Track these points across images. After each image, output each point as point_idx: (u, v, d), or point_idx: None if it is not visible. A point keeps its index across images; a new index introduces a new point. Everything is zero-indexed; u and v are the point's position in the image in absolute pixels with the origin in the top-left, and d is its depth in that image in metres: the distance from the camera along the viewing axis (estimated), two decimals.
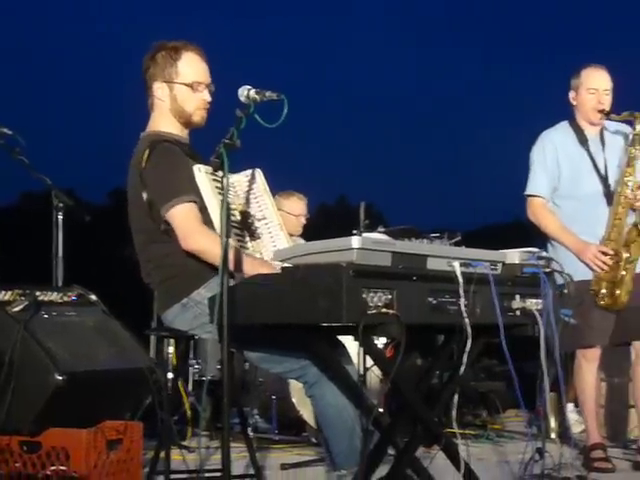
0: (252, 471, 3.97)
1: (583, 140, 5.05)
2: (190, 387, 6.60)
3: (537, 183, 5.08)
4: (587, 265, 4.91)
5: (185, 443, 5.57)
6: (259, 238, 3.70)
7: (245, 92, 3.24)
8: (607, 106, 4.98)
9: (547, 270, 3.54)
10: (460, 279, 3.15)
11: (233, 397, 3.68)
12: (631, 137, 4.95)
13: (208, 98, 3.74)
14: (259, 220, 3.73)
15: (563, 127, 5.15)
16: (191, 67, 3.72)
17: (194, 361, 6.68)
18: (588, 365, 5.04)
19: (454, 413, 3.36)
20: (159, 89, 3.72)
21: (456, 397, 3.51)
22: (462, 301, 3.15)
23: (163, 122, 3.75)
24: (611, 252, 4.85)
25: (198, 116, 3.75)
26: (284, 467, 4.95)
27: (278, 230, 3.76)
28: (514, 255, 3.49)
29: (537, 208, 5.08)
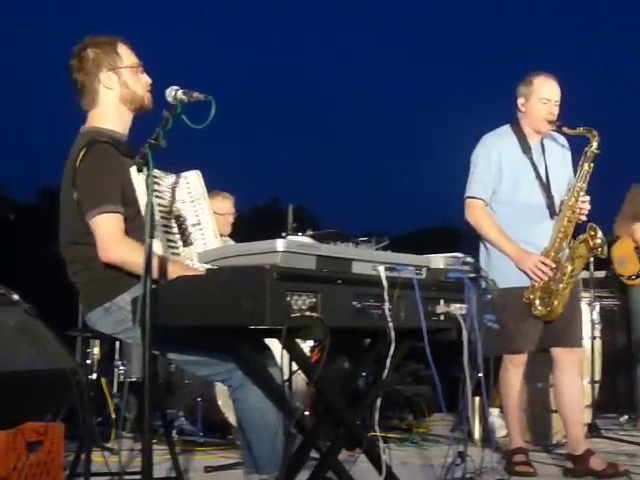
0: (175, 474, 3.94)
1: (527, 148, 5.05)
2: (115, 388, 6.54)
3: (478, 185, 5.06)
4: (526, 274, 4.91)
5: (109, 445, 5.52)
6: (192, 244, 3.66)
7: (172, 93, 3.23)
8: (556, 117, 5.00)
9: (471, 275, 3.57)
10: (385, 283, 3.15)
11: (156, 399, 3.65)
12: (585, 153, 4.93)
13: (150, 80, 3.73)
14: (193, 225, 3.70)
15: (507, 132, 5.13)
16: (127, 53, 3.71)
17: (119, 362, 6.62)
18: (515, 370, 5.07)
19: (377, 416, 3.36)
20: (107, 78, 3.66)
21: (379, 400, 3.50)
22: (386, 305, 3.16)
23: (105, 117, 3.69)
24: (552, 264, 4.85)
25: (147, 99, 3.73)
26: (207, 470, 4.93)
27: (212, 237, 3.72)
28: (439, 260, 3.51)
29: (477, 211, 5.06)
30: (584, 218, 4.93)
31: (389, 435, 6.00)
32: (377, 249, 5.13)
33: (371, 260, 3.23)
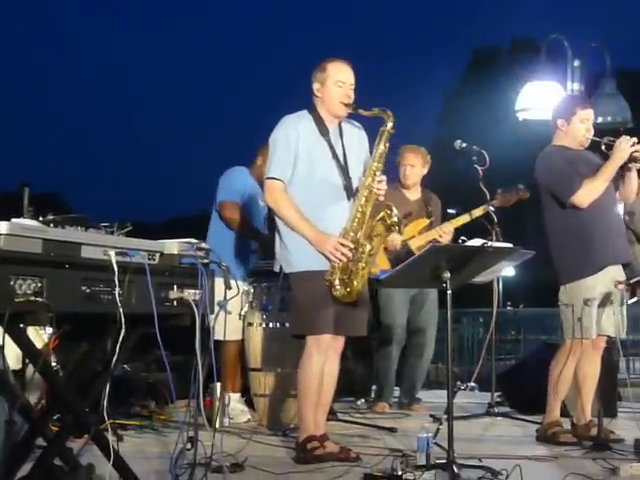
0: None
1: (324, 131, 5.03)
2: None
3: (277, 167, 4.97)
4: (325, 256, 4.84)
5: None
6: None
7: None
8: (352, 100, 5.00)
9: (205, 261, 3.59)
10: (115, 268, 3.13)
11: None
12: (381, 133, 4.95)
13: None
14: None
15: (305, 115, 5.09)
16: None
17: None
18: (319, 356, 4.93)
19: (105, 403, 3.32)
20: None
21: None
22: (117, 290, 3.15)
23: None
24: (351, 245, 4.80)
25: None
26: None
27: None
28: (173, 245, 3.52)
29: (277, 193, 4.97)
30: (382, 198, 4.97)
31: (129, 422, 5.95)
32: (120, 235, 5.08)
33: (102, 244, 3.21)
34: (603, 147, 5.74)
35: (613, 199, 5.80)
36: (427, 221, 7.12)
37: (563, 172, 5.66)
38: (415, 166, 7.22)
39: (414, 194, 7.30)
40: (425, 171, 7.31)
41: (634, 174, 5.78)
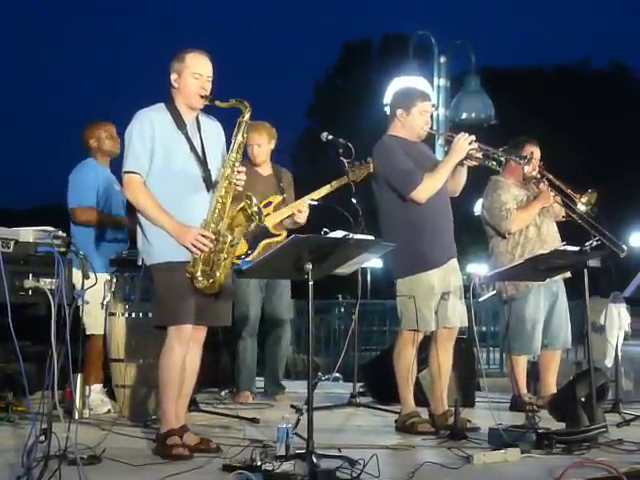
0: None
1: (181, 124, 5.00)
2: None
3: (134, 160, 4.93)
4: (187, 248, 4.81)
5: None
6: None
7: None
8: (208, 92, 4.98)
9: (62, 250, 3.54)
10: None
11: None
12: (239, 124, 4.95)
13: None
14: None
15: (161, 108, 5.06)
16: None
17: None
18: (180, 349, 4.87)
19: None
20: None
21: None
22: None
23: None
24: (212, 235, 4.79)
25: None
26: None
27: None
28: (28, 233, 3.46)
29: (136, 186, 4.91)
30: (240, 189, 4.94)
31: None
32: None
33: None
34: (439, 141, 5.84)
35: (446, 193, 5.91)
36: (280, 197, 7.16)
37: (403, 165, 5.74)
38: (262, 145, 7.27)
39: (266, 169, 7.34)
40: (272, 146, 7.36)
41: (465, 168, 5.90)
